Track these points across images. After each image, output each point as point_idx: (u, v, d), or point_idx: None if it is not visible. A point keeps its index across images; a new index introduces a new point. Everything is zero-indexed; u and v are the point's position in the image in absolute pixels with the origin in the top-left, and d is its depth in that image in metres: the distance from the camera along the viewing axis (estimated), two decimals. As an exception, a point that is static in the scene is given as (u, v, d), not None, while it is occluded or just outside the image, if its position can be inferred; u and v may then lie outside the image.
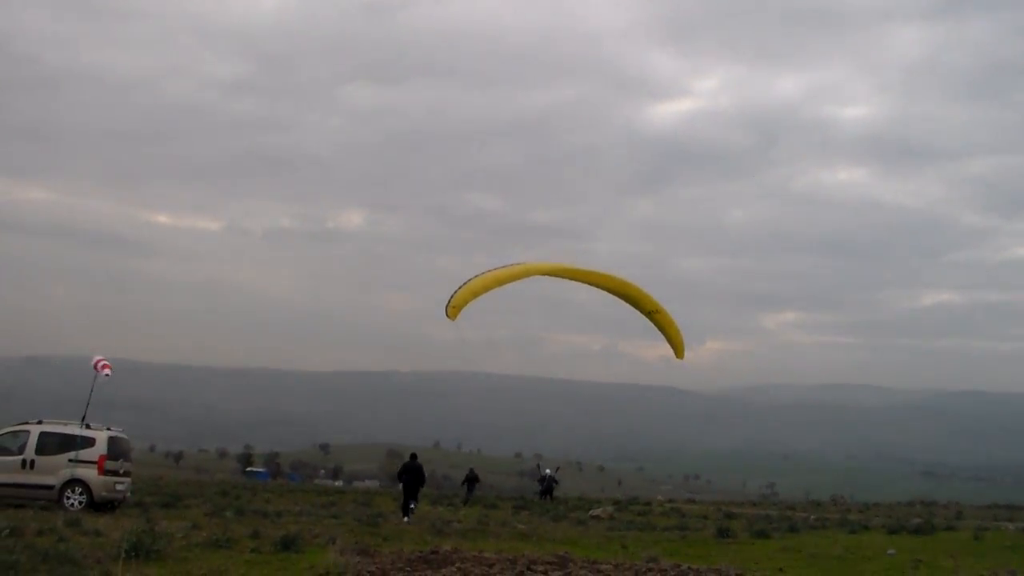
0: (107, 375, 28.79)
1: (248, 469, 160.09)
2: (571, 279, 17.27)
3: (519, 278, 18.46)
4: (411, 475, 31.46)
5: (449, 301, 20.39)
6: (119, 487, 28.04)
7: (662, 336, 20.34)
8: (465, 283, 20.59)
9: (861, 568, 17.22)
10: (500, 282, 19.26)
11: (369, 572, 14.49)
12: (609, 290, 16.52)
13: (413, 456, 33.08)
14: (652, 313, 16.72)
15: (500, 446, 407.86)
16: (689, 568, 15.69)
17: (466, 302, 21.90)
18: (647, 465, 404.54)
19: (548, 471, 51.31)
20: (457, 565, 15.39)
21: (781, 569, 16.85)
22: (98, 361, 29.04)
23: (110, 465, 27.33)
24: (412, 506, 30.95)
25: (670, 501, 70.26)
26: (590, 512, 38.79)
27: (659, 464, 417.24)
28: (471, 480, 48.17)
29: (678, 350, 20.28)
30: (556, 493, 51.32)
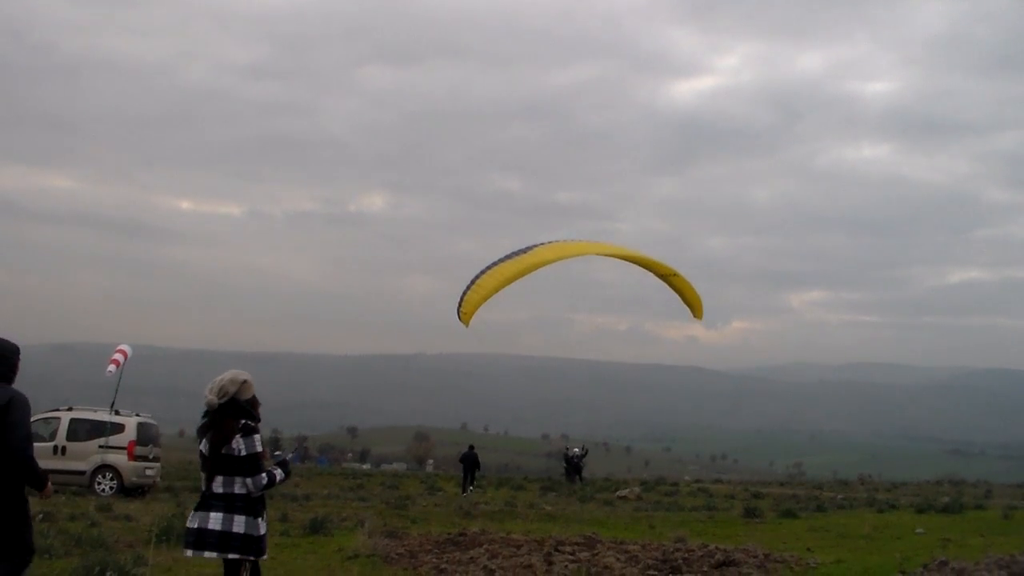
0: (110, 372, 28.83)
1: (276, 453, 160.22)
2: (583, 255, 17.24)
3: (530, 271, 18.44)
4: (468, 461, 40.26)
5: (460, 305, 20.32)
6: (149, 472, 28.26)
7: (681, 301, 20.26)
8: (473, 282, 20.49)
9: (889, 547, 17.17)
10: (510, 280, 19.18)
11: (397, 554, 14.55)
12: (623, 258, 16.46)
13: (471, 447, 41.46)
14: (669, 276, 16.63)
15: (527, 427, 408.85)
16: (717, 548, 15.68)
17: (478, 305, 21.79)
18: (674, 445, 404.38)
19: (577, 450, 51.24)
20: (485, 547, 15.43)
21: (809, 549, 16.82)
22: (119, 351, 29.19)
23: (139, 451, 27.55)
24: (471, 486, 38.76)
25: (697, 481, 70.21)
26: (617, 493, 38.80)
27: (686, 444, 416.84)
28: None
29: (697, 310, 20.13)
30: (584, 474, 51.09)
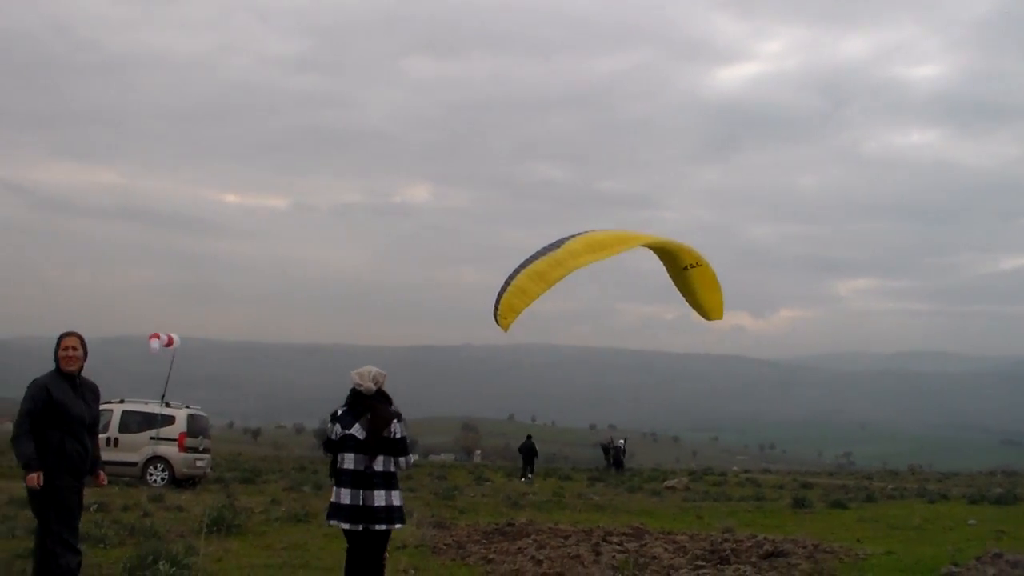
0: (154, 348, 28.89)
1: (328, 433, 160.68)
2: (617, 252, 17.03)
3: (568, 273, 18.36)
4: (526, 451, 43.84)
5: (498, 308, 20.14)
6: (199, 463, 28.53)
7: (690, 300, 19.85)
8: (510, 283, 20.32)
9: (941, 539, 17.02)
10: (551, 285, 19.05)
11: (445, 545, 14.60)
12: (649, 246, 16.23)
13: (528, 437, 45.10)
14: (691, 267, 16.32)
15: (574, 418, 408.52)
16: (765, 539, 15.61)
17: (519, 312, 21.63)
18: (722, 435, 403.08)
19: (621, 441, 51.23)
20: (532, 537, 15.45)
21: (859, 540, 16.71)
22: (166, 337, 29.39)
23: (190, 442, 27.82)
24: (530, 474, 42.29)
25: (745, 471, 69.97)
26: (665, 483, 38.74)
27: (734, 434, 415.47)
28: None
29: (715, 310, 19.63)
30: (627, 464, 51.01)
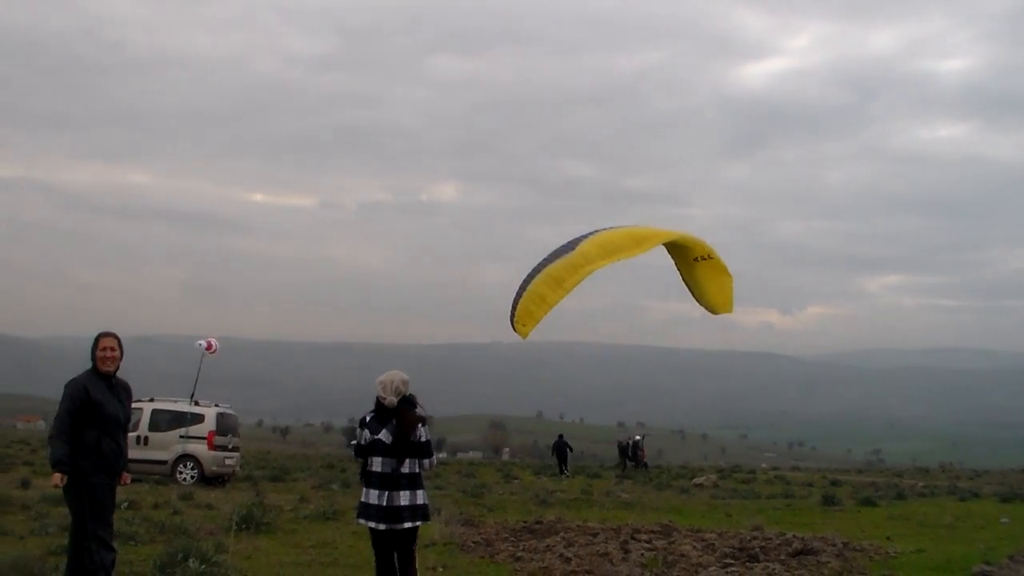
0: (200, 345, 29.10)
1: (353, 442, 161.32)
2: (632, 255, 16.85)
3: (584, 277, 18.23)
4: (559, 449, 45.46)
5: (515, 314, 20.02)
6: (228, 462, 28.66)
7: (696, 295, 19.65)
8: (526, 288, 20.20)
9: (973, 537, 16.92)
10: (568, 290, 18.88)
11: (474, 542, 14.62)
12: (663, 241, 16.05)
13: (560, 436, 47.27)
14: (700, 259, 16.08)
15: (602, 415, 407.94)
16: (794, 537, 15.56)
17: (539, 318, 21.54)
18: (750, 432, 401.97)
19: (637, 437, 51.35)
20: (561, 535, 15.46)
21: (889, 538, 16.63)
22: (206, 342, 29.60)
23: (219, 440, 27.94)
24: (566, 471, 43.87)
25: (774, 469, 69.74)
26: (693, 481, 38.68)
27: (762, 431, 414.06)
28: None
29: (725, 303, 19.31)
30: (653, 461, 51.04)
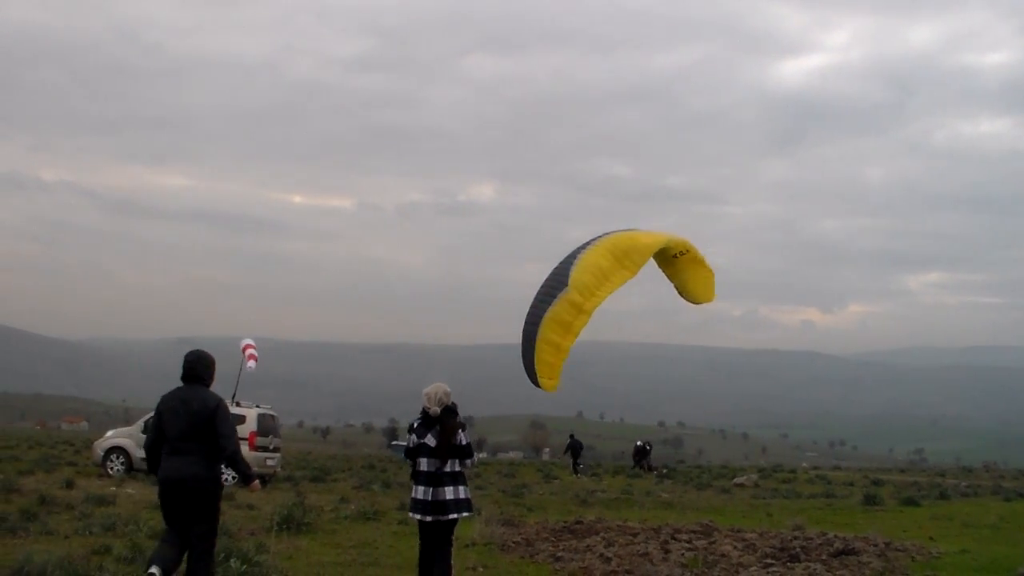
0: (251, 367, 29.44)
1: (393, 443, 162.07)
2: (624, 281, 16.95)
3: (591, 312, 18.39)
4: (573, 448, 45.69)
5: (536, 371, 20.12)
6: (269, 462, 28.78)
7: (683, 286, 19.71)
8: (536, 335, 20.27)
9: (1018, 538, 16.77)
10: (577, 332, 18.94)
11: (514, 542, 14.62)
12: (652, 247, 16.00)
13: (571, 435, 47.56)
14: (680, 255, 16.04)
15: (642, 415, 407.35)
16: (836, 536, 15.47)
17: (560, 367, 21.66)
18: (791, 432, 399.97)
19: (639, 443, 51.50)
20: (601, 535, 15.44)
21: (932, 538, 16.50)
22: (247, 346, 29.78)
23: (260, 441, 28.03)
24: (580, 467, 44.91)
25: (815, 468, 69.32)
26: (734, 480, 38.53)
27: (803, 430, 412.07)
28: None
29: (706, 292, 19.27)
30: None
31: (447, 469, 10.00)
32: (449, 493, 9.95)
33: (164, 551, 8.80)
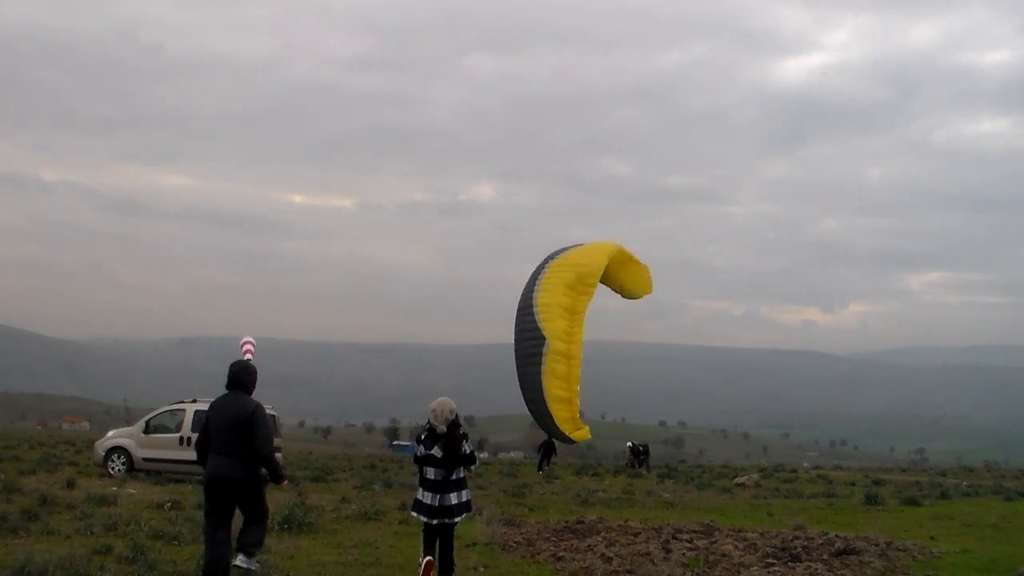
0: (248, 359, 29.42)
1: (395, 443, 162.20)
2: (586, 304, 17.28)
3: (578, 353, 18.80)
4: (548, 447, 42.94)
5: (562, 432, 20.59)
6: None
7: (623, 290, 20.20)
8: (545, 406, 20.66)
9: (1019, 537, 16.78)
10: (577, 378, 19.33)
11: (515, 542, 14.62)
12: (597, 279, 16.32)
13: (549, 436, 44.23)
14: (624, 263, 16.39)
15: (643, 414, 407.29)
16: (837, 536, 15.49)
17: (576, 413, 22.49)
18: (792, 431, 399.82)
19: (630, 444, 51.39)
20: (602, 534, 15.45)
21: (933, 537, 16.51)
22: (245, 343, 29.78)
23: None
24: (546, 467, 42.39)
25: (816, 468, 69.31)
26: (735, 480, 38.50)
27: (804, 430, 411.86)
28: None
29: (644, 286, 19.69)
30: (692, 461, 50.94)
31: (453, 476, 11.01)
32: (454, 499, 10.97)
33: (216, 547, 9.96)
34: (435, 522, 10.95)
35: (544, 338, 19.76)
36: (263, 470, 10.18)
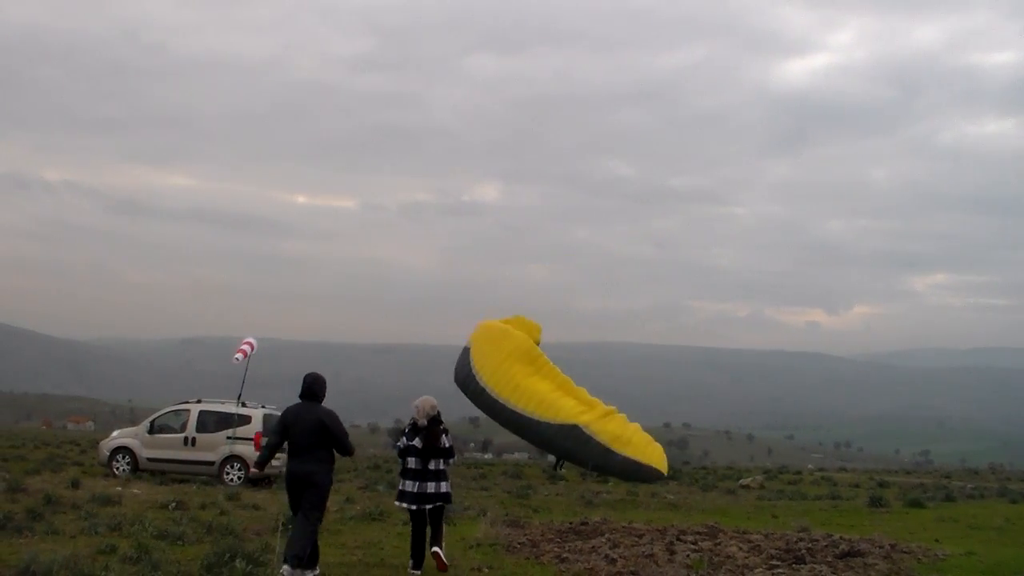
0: (236, 359, 29.27)
1: (399, 444, 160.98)
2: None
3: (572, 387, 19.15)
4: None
5: (654, 468, 20.82)
6: (275, 463, 28.77)
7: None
8: (633, 458, 20.95)
9: None
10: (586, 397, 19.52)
11: (519, 543, 14.62)
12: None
13: None
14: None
15: (648, 416, 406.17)
16: (841, 538, 15.46)
17: (652, 440, 22.80)
18: (797, 433, 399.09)
19: None
20: (607, 536, 15.43)
21: (937, 540, 16.48)
22: (244, 343, 29.72)
23: (266, 441, 28.06)
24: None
25: (821, 470, 69.24)
26: (739, 482, 38.51)
27: (809, 432, 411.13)
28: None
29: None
30: (701, 462, 50.74)
31: (431, 467, 12.01)
32: (432, 487, 11.95)
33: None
34: (416, 508, 11.93)
35: (576, 424, 19.94)
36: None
